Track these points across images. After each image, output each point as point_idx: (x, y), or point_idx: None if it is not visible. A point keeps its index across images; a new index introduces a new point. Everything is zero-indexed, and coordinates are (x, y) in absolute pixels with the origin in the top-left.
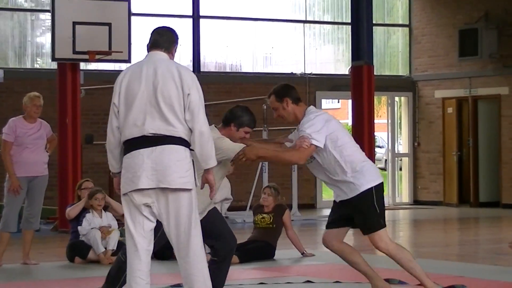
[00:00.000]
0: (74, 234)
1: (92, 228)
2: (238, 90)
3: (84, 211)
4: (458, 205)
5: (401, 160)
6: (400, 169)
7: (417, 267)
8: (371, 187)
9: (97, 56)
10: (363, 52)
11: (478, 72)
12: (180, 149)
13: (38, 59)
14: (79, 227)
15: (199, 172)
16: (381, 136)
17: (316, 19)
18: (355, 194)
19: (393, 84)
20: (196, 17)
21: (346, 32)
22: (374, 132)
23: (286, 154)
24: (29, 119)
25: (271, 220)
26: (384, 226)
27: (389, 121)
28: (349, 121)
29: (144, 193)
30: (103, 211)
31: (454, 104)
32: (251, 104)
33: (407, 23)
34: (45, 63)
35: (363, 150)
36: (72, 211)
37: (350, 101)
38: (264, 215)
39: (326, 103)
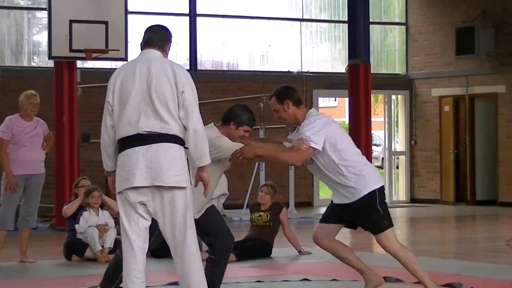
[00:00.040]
0: (71, 232)
1: (89, 226)
2: (235, 88)
3: (81, 209)
4: (455, 203)
5: (398, 158)
6: (397, 167)
7: (421, 270)
8: (373, 190)
9: (94, 54)
10: (360, 50)
11: (475, 71)
12: (175, 147)
13: (34, 57)
14: (76, 225)
15: (194, 171)
16: (378, 134)
17: (313, 17)
18: (357, 198)
19: (390, 82)
20: (192, 15)
21: (343, 30)
22: (371, 130)
23: (284, 155)
24: (25, 117)
25: (268, 218)
26: (389, 226)
27: (386, 119)
28: (346, 120)
29: (139, 191)
30: (100, 209)
31: (451, 102)
32: (248, 102)
33: (404, 21)
34: (42, 61)
35: (360, 149)
36: (68, 209)
37: (347, 100)
38: (261, 213)
39: (323, 101)
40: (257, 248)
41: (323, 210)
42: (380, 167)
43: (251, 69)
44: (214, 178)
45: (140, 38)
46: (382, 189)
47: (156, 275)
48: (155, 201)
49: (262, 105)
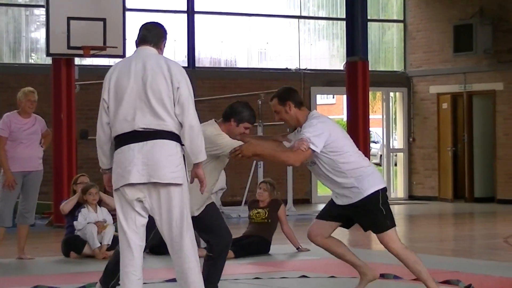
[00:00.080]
0: (69, 229)
1: (88, 223)
2: (233, 85)
3: (79, 206)
4: (453, 201)
5: (396, 155)
6: (395, 165)
7: (424, 270)
8: (376, 191)
9: (92, 52)
10: (358, 47)
11: (473, 68)
12: (171, 144)
13: (32, 54)
14: (74, 222)
15: (190, 167)
16: (376, 131)
17: (311, 15)
18: (360, 198)
19: (388, 80)
20: (190, 12)
21: (341, 27)
22: (369, 127)
23: (283, 154)
24: (23, 114)
25: (266, 215)
26: (392, 226)
27: (384, 116)
28: (344, 117)
29: (136, 188)
30: (98, 206)
31: (449, 99)
32: (246, 99)
33: (402, 18)
34: (40, 58)
35: (358, 146)
36: (66, 206)
37: (345, 97)
38: (259, 210)
39: (321, 99)
40: (255, 245)
41: (321, 207)
42: (378, 165)
43: (249, 66)
44: (214, 174)
45: None
46: (384, 190)
47: (154, 272)
48: (151, 197)
49: (260, 102)
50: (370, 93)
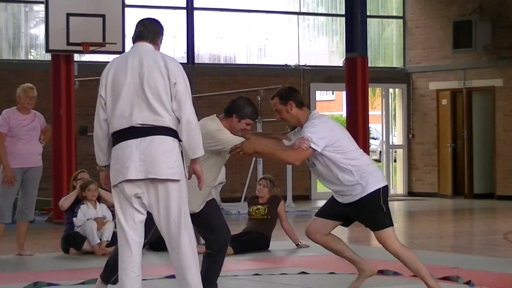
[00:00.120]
0: (68, 225)
1: (87, 220)
2: (232, 82)
3: (79, 202)
4: (453, 197)
5: (395, 151)
6: (395, 161)
7: (423, 268)
8: (378, 189)
9: (91, 48)
10: (357, 44)
11: (472, 64)
12: (169, 140)
13: (32, 50)
14: (74, 219)
15: (188, 163)
16: (375, 127)
17: (310, 11)
18: (363, 195)
19: (387, 76)
20: (190, 8)
21: (340, 24)
22: (368, 124)
23: (283, 153)
24: (22, 111)
25: (265, 212)
26: (391, 225)
27: (384, 112)
28: (344, 113)
29: (134, 184)
30: (97, 202)
31: (448, 96)
32: (245, 96)
33: (401, 14)
34: (39, 54)
35: (358, 142)
36: (65, 202)
37: (344, 93)
38: (259, 206)
39: (320, 95)
40: (254, 241)
41: (320, 203)
42: (378, 161)
43: (248, 63)
44: (214, 170)
45: None
46: (386, 188)
47: (154, 268)
48: (149, 194)
49: (259, 98)
50: (369, 89)
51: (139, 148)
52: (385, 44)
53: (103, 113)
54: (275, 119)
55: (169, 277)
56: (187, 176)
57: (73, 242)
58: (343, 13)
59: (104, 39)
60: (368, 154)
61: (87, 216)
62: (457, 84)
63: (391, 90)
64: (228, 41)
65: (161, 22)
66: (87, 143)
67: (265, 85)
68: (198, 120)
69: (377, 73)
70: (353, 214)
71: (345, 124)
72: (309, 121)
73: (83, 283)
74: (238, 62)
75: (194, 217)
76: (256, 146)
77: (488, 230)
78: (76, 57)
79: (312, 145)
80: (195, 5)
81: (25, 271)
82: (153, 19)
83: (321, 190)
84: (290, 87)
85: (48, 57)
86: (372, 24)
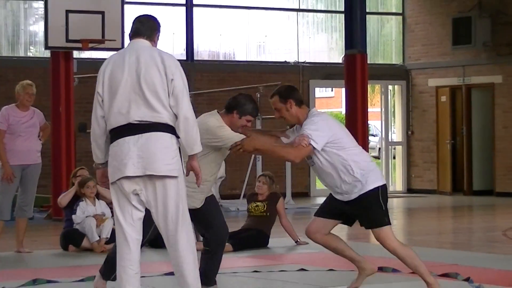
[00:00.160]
0: (68, 222)
1: (86, 217)
2: (231, 78)
3: (78, 199)
4: (452, 194)
5: (394, 148)
6: (394, 158)
7: (421, 265)
8: (378, 186)
9: (90, 45)
10: (357, 40)
11: (471, 61)
12: (166, 137)
13: (31, 47)
14: (73, 216)
15: (186, 159)
16: (374, 124)
17: (310, 8)
18: (362, 192)
19: (387, 73)
20: (189, 5)
21: (339, 20)
22: (367, 120)
23: (283, 150)
24: (22, 108)
25: (265, 209)
26: (389, 224)
27: (383, 109)
28: (343, 110)
29: (132, 181)
30: (96, 199)
31: (448, 92)
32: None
33: (401, 11)
34: (38, 51)
35: (357, 139)
36: (63, 199)
37: (343, 90)
38: (258, 203)
39: (320, 92)
40: (254, 238)
41: (319, 200)
42: (377, 158)
43: (247, 60)
44: (213, 166)
45: None
46: (384, 187)
47: (153, 265)
48: (147, 190)
49: (258, 95)
50: (368, 86)
51: (136, 145)
52: (385, 41)
53: (100, 110)
54: (274, 116)
55: (168, 274)
56: (185, 172)
57: (72, 239)
58: (343, 10)
59: (103, 36)
60: (368, 151)
61: (86, 213)
62: (456, 80)
63: (390, 87)
64: (227, 38)
65: (158, 19)
66: (86, 140)
67: (264, 82)
68: (198, 116)
69: (376, 70)
70: (352, 212)
71: (344, 121)
72: (308, 119)
73: (82, 280)
74: (237, 59)
75: (193, 213)
76: (256, 143)
77: (488, 227)
78: (76, 54)
79: (312, 142)
80: (194, 2)
81: (24, 268)
82: (150, 15)
83: (320, 187)
84: (289, 85)
85: (47, 54)
86: (372, 21)
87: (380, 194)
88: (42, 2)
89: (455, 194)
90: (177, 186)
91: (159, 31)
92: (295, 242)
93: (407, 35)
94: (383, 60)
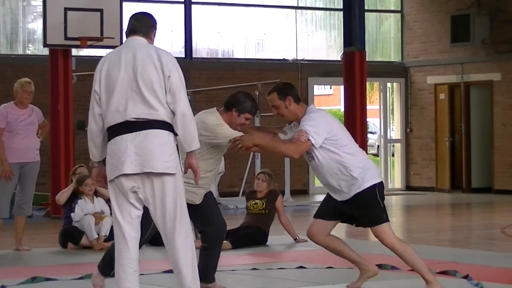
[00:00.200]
0: (66, 220)
1: (85, 214)
2: (230, 76)
3: (76, 197)
4: (451, 191)
5: (393, 146)
6: (393, 155)
7: (420, 262)
8: (375, 184)
9: (89, 42)
10: (355, 38)
11: (470, 58)
12: (164, 134)
13: (29, 45)
14: (72, 214)
15: (183, 155)
16: (373, 122)
17: (308, 5)
18: (359, 190)
19: (385, 70)
20: (187, 3)
21: (338, 18)
22: (366, 118)
23: (282, 146)
24: (20, 105)
25: (263, 206)
26: (387, 220)
27: (381, 107)
28: (341, 108)
29: (130, 178)
30: (94, 196)
31: (446, 90)
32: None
33: (399, 9)
34: (37, 49)
35: (355, 137)
36: (61, 196)
37: (342, 87)
38: (257, 200)
39: (318, 89)
40: (252, 235)
41: (318, 197)
42: (376, 155)
43: (246, 57)
44: (212, 162)
45: None
46: (381, 184)
47: (152, 263)
48: (145, 188)
49: (257, 93)
50: (367, 83)
51: (134, 142)
52: (383, 38)
53: (97, 108)
54: (272, 114)
55: (167, 272)
56: (183, 169)
57: (71, 236)
58: (341, 7)
59: (102, 33)
60: (366, 149)
61: (85, 211)
62: (455, 78)
63: (389, 85)
64: (226, 35)
65: (155, 16)
66: (85, 138)
67: (263, 80)
68: (197, 113)
69: (375, 67)
70: (350, 210)
71: (343, 119)
72: (306, 115)
73: (81, 277)
74: (236, 56)
75: (192, 209)
76: (256, 139)
77: (486, 224)
78: (74, 51)
79: (310, 138)
80: (192, 0)
81: (23, 266)
82: (146, 13)
83: (319, 185)
84: (286, 82)
85: (46, 51)
86: (370, 18)
87: (377, 192)
88: (41, 0)
89: (453, 191)
90: (175, 183)
91: (155, 28)
92: (294, 239)
93: (406, 33)
94: (382, 58)
